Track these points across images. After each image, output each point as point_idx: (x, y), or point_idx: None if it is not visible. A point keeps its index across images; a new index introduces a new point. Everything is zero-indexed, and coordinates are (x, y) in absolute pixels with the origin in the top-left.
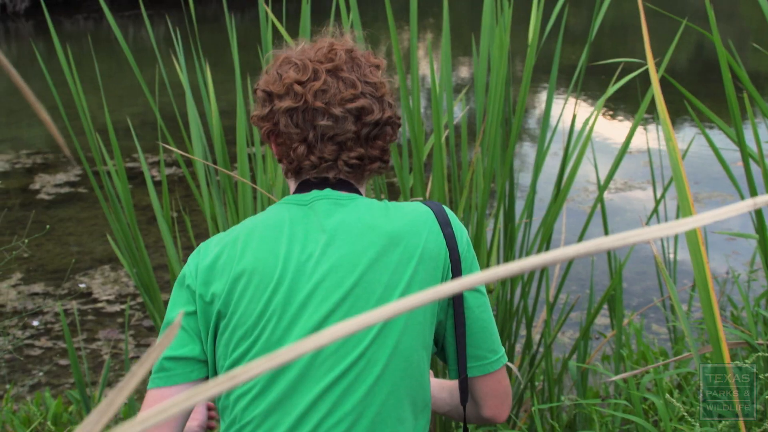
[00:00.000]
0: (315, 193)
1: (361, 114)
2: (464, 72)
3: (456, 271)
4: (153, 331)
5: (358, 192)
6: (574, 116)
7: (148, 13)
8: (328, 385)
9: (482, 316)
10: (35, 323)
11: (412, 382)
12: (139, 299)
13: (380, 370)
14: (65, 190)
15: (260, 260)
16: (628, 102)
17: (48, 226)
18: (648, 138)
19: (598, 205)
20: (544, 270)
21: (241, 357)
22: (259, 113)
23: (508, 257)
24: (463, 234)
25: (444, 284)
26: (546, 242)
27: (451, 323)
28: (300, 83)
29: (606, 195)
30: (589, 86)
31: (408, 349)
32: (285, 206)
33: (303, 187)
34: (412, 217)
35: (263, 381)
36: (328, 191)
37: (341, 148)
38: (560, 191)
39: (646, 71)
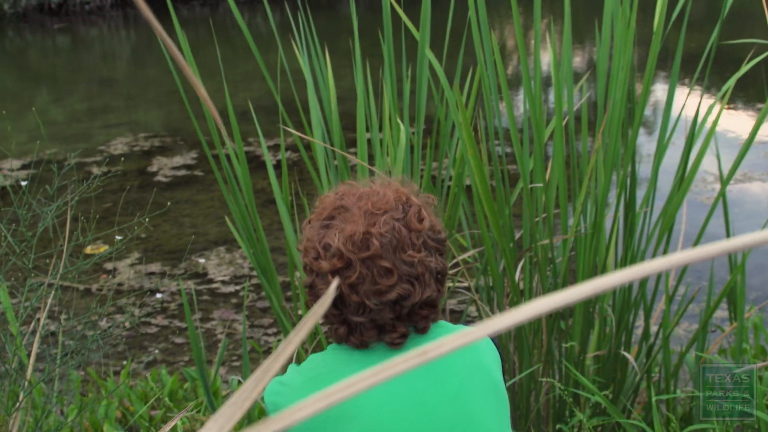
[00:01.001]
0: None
1: (399, 300)
2: (578, 60)
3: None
4: (267, 312)
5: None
6: (699, 106)
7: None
8: None
9: None
10: (159, 295)
11: None
12: (254, 280)
13: None
14: (182, 172)
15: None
16: (747, 91)
17: (169, 203)
18: None
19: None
20: None
21: None
22: (304, 279)
23: (628, 246)
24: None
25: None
26: (667, 233)
27: None
28: (334, 272)
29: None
30: (708, 76)
31: None
32: (348, 354)
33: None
34: (474, 347)
35: None
36: (413, 341)
37: (381, 331)
38: (683, 182)
39: None
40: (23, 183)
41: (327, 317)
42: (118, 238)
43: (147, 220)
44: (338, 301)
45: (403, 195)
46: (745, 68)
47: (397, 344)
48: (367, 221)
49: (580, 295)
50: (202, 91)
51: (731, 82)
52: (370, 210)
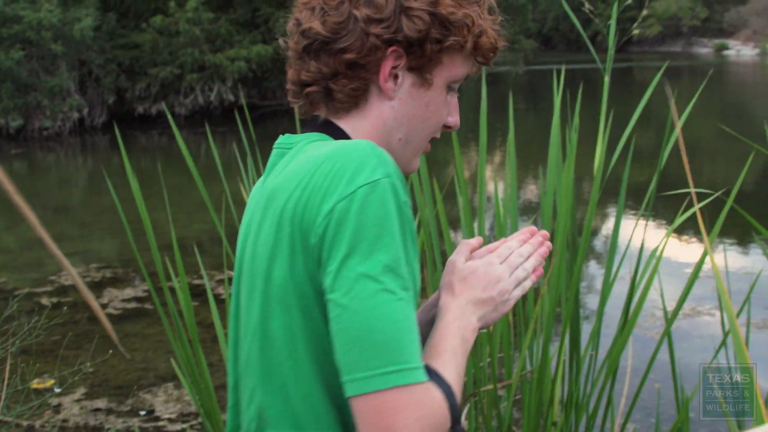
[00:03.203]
0: (277, 140)
1: (296, 28)
2: (531, 191)
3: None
4: None
5: (327, 131)
6: (642, 245)
7: (222, 130)
8: None
9: (351, 322)
10: None
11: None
12: (200, 419)
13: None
14: (132, 305)
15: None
16: (692, 222)
17: (111, 351)
18: (727, 259)
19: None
20: (610, 400)
21: None
22: None
23: (573, 390)
24: (343, 181)
25: None
26: (612, 375)
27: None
28: None
29: None
30: (654, 207)
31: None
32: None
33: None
34: (297, 166)
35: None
36: (283, 138)
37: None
38: (626, 323)
39: (714, 198)
40: None
41: None
42: (57, 389)
43: (89, 365)
44: None
45: None
46: (679, 220)
47: (288, 92)
48: None
49: None
50: (43, 235)
51: (671, 230)
52: None
